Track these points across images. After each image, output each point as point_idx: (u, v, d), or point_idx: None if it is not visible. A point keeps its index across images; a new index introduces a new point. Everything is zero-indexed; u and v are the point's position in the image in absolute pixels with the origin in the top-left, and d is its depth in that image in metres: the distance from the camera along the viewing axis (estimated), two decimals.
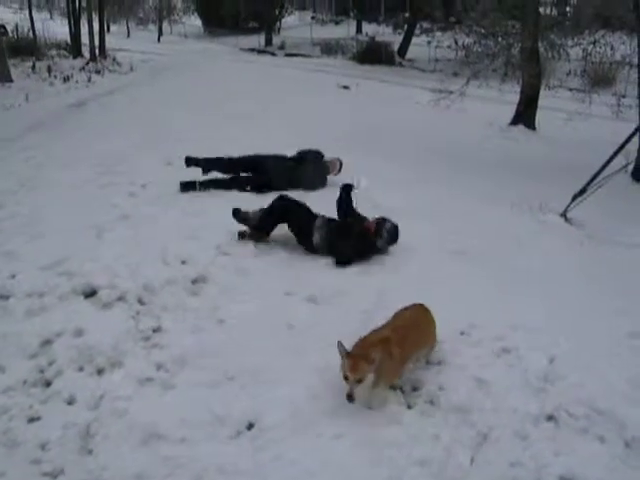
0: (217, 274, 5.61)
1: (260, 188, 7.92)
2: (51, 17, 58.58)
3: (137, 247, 6.06)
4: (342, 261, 5.95)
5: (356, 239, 6.05)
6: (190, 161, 8.30)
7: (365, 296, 5.25)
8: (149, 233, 6.49)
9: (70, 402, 3.91)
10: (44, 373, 4.16)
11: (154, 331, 4.70)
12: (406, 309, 4.42)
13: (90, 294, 5.16)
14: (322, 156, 8.60)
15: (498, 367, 4.32)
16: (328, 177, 8.53)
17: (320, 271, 5.74)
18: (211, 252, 6.08)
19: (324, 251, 6.10)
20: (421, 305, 4.49)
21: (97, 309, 4.96)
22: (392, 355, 3.83)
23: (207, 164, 8.23)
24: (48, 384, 4.07)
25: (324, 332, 4.54)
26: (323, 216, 6.31)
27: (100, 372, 4.21)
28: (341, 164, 8.65)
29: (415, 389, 4.11)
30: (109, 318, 4.82)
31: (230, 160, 8.28)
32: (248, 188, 8.06)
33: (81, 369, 4.21)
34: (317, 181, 8.32)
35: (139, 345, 4.51)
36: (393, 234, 6.20)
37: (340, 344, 3.73)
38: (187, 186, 8.04)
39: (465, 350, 4.52)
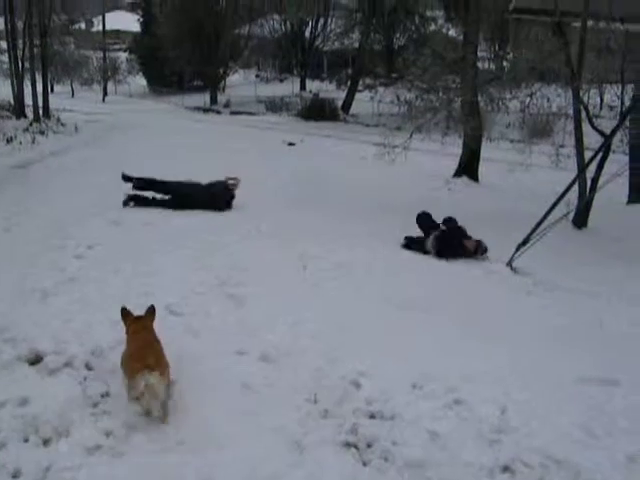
0: (166, 335, 5.51)
1: (182, 207, 10.24)
2: None
3: (84, 310, 5.95)
4: (442, 256, 8.64)
5: (456, 248, 8.75)
6: (125, 178, 10.74)
7: (316, 354, 5.23)
8: (97, 296, 6.39)
9: (15, 475, 3.76)
10: None
11: (102, 396, 4.59)
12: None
13: (35, 361, 5.01)
14: (225, 186, 10.79)
15: (451, 419, 4.33)
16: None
17: (271, 329, 5.70)
18: (160, 312, 5.99)
19: (433, 252, 8.75)
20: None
21: (43, 376, 4.82)
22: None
23: (139, 182, 10.63)
24: None
25: (278, 392, 4.51)
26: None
27: (46, 442, 4.07)
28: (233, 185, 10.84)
29: (369, 445, 4.09)
30: (55, 385, 4.68)
31: (158, 182, 10.65)
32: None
33: (26, 440, 4.07)
34: (222, 204, 10.58)
35: (87, 412, 4.38)
36: (484, 251, 8.78)
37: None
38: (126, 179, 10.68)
39: (418, 403, 4.52)
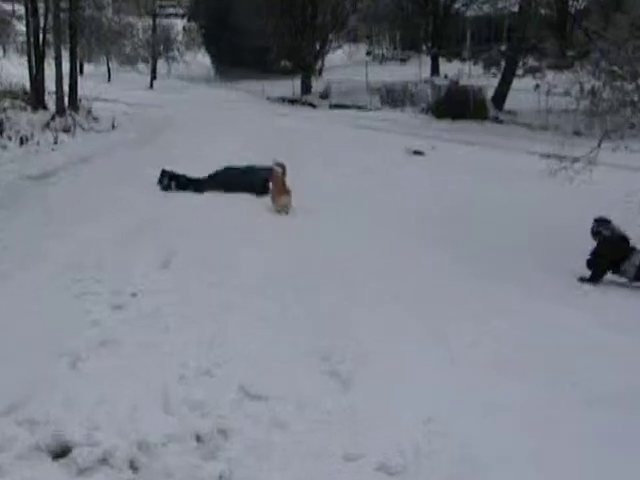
0: (243, 427, 5.58)
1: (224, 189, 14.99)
2: (4, 54, 59.95)
3: (127, 385, 6.09)
4: None
5: None
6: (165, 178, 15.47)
7: (454, 459, 5.25)
8: (144, 365, 6.55)
9: None
10: None
11: None
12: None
13: (61, 453, 5.16)
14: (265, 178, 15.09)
15: None
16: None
17: (393, 425, 5.68)
18: (232, 395, 6.09)
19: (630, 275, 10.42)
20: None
21: (71, 476, 4.95)
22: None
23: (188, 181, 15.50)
24: None
25: None
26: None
27: None
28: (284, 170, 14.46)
29: None
30: None
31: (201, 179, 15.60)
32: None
33: None
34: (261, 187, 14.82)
35: None
36: None
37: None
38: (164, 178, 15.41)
39: None
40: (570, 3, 41.27)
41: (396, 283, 9.60)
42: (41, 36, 30.14)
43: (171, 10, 67.00)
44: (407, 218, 13.33)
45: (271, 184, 14.02)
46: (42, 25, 30.39)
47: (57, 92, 28.62)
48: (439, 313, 8.48)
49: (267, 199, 14.08)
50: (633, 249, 10.52)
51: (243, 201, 14.23)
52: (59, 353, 6.67)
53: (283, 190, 13.53)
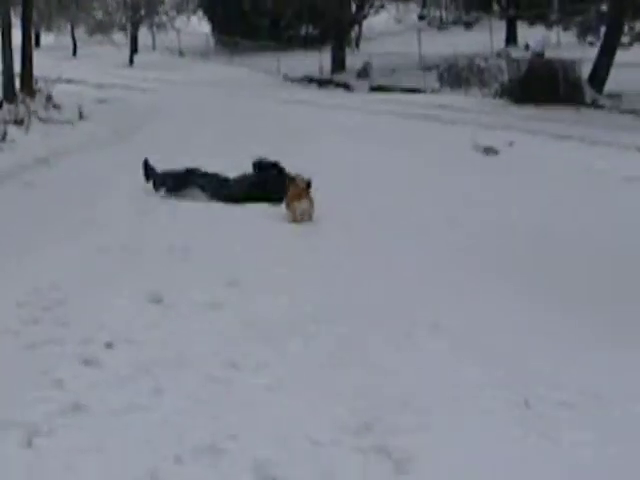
0: None
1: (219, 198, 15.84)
2: None
3: (102, 467, 6.09)
4: None
5: None
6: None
7: None
8: (124, 440, 6.54)
9: None
10: None
11: None
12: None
13: None
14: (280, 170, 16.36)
15: None
16: None
17: None
18: (245, 477, 6.09)
19: None
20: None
21: None
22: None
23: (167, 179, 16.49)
24: None
25: None
26: None
27: None
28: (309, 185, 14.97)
29: None
30: None
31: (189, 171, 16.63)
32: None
33: None
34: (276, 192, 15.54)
35: None
36: None
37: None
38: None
39: None
40: None
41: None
42: None
43: None
44: (472, 234, 13.33)
45: (289, 188, 14.81)
46: None
47: (5, 71, 28.67)
48: (518, 356, 8.47)
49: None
50: None
51: (252, 213, 14.53)
52: (9, 425, 6.66)
53: (302, 195, 14.38)
